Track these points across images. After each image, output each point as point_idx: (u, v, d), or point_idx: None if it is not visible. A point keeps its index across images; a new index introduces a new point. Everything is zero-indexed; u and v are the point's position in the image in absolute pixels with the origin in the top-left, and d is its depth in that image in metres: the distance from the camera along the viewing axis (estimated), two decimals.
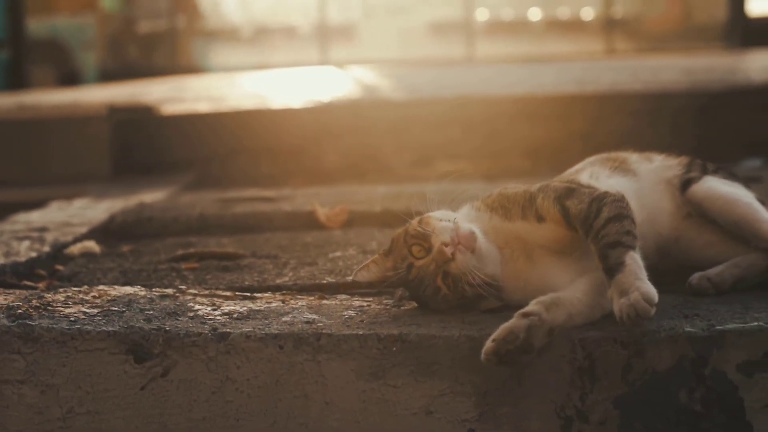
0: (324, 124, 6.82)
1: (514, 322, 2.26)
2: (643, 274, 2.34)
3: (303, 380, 2.38)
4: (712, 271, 2.69)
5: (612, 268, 2.35)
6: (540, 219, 2.53)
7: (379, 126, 6.83)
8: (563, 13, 19.94)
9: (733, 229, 2.73)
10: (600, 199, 2.48)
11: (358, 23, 19.89)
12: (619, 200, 2.49)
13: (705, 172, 2.83)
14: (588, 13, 19.48)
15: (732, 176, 2.87)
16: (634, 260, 2.37)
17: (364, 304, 2.65)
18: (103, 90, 10.68)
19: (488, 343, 2.24)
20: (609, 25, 17.70)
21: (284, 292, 2.83)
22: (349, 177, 6.54)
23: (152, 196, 5.15)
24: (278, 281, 2.99)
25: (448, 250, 2.43)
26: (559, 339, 2.33)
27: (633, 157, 2.86)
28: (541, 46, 17.43)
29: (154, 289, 2.83)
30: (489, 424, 2.36)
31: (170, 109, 6.95)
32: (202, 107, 7.07)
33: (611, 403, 2.35)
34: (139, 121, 6.76)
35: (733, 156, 6.44)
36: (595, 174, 2.74)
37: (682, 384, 2.35)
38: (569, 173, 2.81)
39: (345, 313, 2.56)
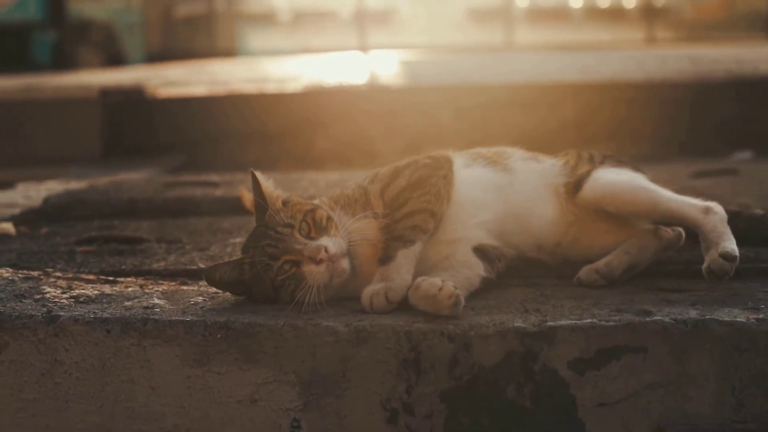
0: (316, 109, 6.80)
1: None
2: (406, 269, 2.36)
3: (129, 365, 2.39)
4: (601, 262, 2.66)
5: (383, 259, 2.39)
6: (376, 217, 2.51)
7: (371, 112, 6.80)
8: (604, 1, 19.75)
9: (638, 217, 2.72)
10: (412, 188, 2.49)
11: (397, 9, 19.86)
12: (434, 194, 2.49)
13: (593, 164, 2.78)
14: (629, 2, 19.28)
15: (621, 163, 2.81)
16: (406, 255, 2.38)
17: (219, 291, 2.63)
18: (125, 72, 10.76)
19: None
20: (650, 14, 17.49)
21: (148, 277, 2.84)
22: (336, 163, 6.53)
23: (130, 178, 5.17)
24: (154, 266, 2.98)
25: (323, 256, 2.39)
26: (384, 330, 2.32)
27: (517, 154, 2.79)
28: (580, 34, 17.25)
29: (21, 271, 2.85)
30: (313, 414, 2.35)
31: (164, 92, 6.97)
32: (197, 90, 7.08)
33: (438, 396, 2.33)
34: (130, 103, 6.76)
35: (725, 147, 6.34)
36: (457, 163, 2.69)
37: (510, 379, 2.32)
38: None
39: (193, 299, 2.57)
